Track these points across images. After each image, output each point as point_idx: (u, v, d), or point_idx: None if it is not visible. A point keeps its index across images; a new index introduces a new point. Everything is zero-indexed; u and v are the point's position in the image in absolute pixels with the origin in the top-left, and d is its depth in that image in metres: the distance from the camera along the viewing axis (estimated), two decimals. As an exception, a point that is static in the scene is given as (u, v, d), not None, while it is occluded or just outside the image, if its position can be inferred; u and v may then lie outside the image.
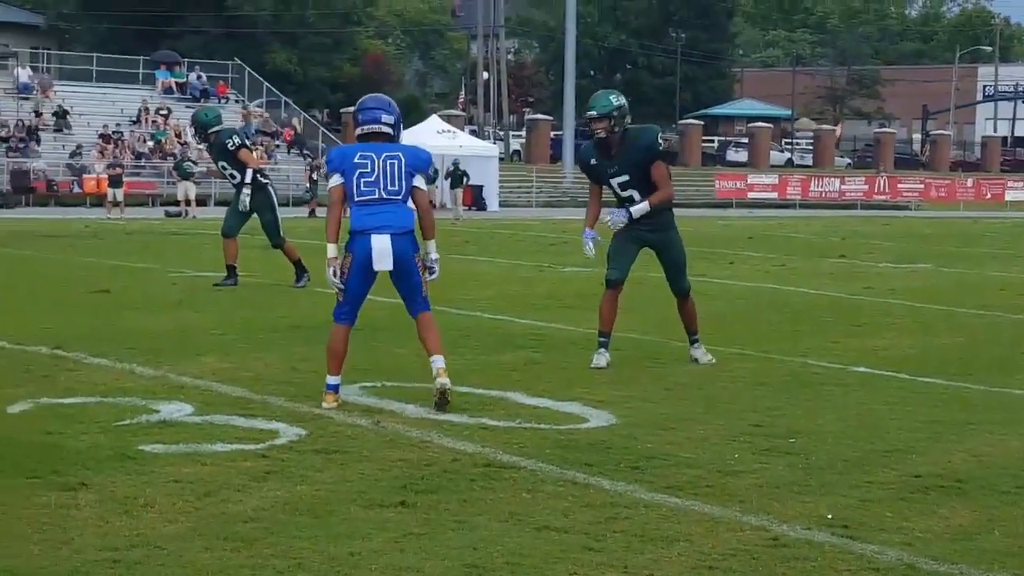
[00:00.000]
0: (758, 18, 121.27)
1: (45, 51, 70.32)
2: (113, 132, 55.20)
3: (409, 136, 57.66)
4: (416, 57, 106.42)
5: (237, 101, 64.74)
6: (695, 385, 10.73)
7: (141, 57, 65.44)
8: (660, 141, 11.66)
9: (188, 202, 44.61)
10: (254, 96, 64.99)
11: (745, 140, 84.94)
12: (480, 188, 54.19)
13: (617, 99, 11.48)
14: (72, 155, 52.65)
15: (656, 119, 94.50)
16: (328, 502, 6.94)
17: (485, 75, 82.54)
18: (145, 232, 32.44)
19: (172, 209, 45.11)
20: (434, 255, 9.88)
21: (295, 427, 8.69)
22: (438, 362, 9.56)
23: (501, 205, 56.65)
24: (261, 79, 65.69)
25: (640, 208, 11.55)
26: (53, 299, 15.98)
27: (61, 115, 56.67)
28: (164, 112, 59.42)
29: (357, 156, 9.58)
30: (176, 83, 63.72)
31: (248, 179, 18.16)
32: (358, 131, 9.75)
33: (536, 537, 6.37)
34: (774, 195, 68.42)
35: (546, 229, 38.01)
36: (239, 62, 66.23)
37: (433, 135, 55.43)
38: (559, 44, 76.36)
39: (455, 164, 49.17)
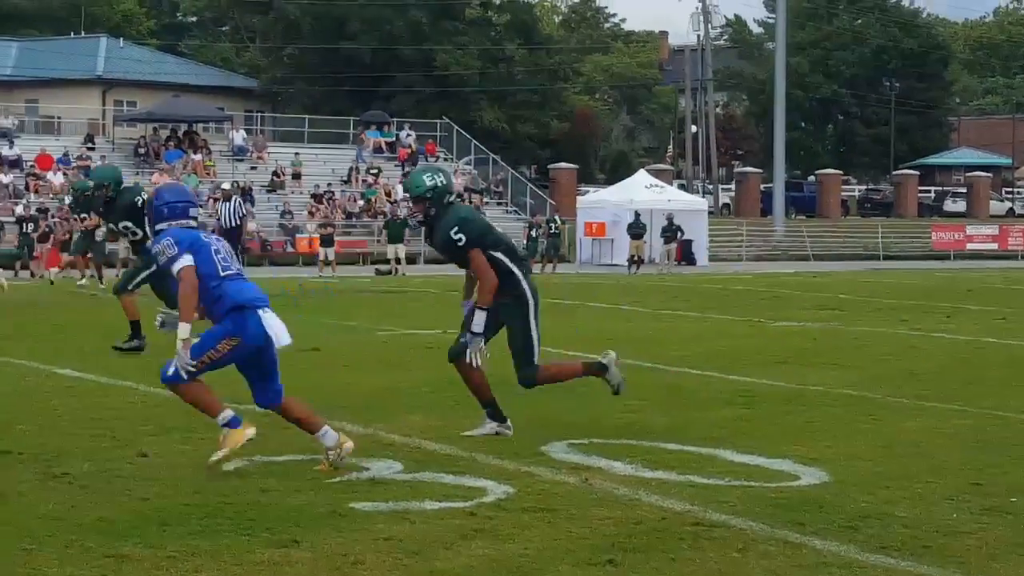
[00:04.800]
0: (975, 65, 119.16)
1: (259, 114, 72.03)
2: (324, 192, 56.23)
3: (618, 191, 58.05)
4: (624, 112, 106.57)
5: (446, 159, 65.54)
6: (911, 442, 10.48)
7: (352, 118, 66.64)
8: (455, 236, 10.33)
9: (398, 260, 45.16)
10: (463, 154, 65.73)
11: (963, 190, 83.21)
12: (689, 242, 53.95)
13: (431, 179, 10.49)
14: (283, 215, 53.72)
15: (870, 169, 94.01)
16: (536, 560, 6.90)
17: (693, 128, 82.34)
18: (355, 291, 32.87)
19: (382, 267, 45.69)
20: None
21: (503, 485, 8.67)
22: (331, 436, 9.21)
23: (710, 259, 56.34)
24: (470, 137, 66.39)
25: (476, 323, 10.38)
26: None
27: (295, 176, 58.30)
28: (375, 172, 60.38)
29: (203, 235, 9.29)
30: (386, 143, 64.75)
31: None
32: (178, 223, 9.26)
33: (747, 598, 6.26)
34: (994, 246, 66.94)
35: (756, 283, 37.67)
36: (448, 121, 67.04)
37: (641, 190, 55.47)
38: (769, 96, 75.88)
39: (669, 219, 49.04)
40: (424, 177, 10.54)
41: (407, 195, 10.74)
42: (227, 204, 32.94)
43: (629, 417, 11.55)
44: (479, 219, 10.87)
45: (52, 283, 31.78)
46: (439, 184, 10.45)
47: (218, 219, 34.55)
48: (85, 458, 9.38)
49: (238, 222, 32.87)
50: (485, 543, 7.22)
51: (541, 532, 7.49)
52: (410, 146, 64.24)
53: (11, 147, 54.43)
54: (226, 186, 35.96)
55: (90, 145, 57.87)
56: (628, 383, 13.70)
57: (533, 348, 10.58)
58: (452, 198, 10.56)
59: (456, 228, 10.33)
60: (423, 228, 10.93)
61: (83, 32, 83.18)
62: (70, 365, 14.65)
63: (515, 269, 10.51)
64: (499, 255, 10.43)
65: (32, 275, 38.99)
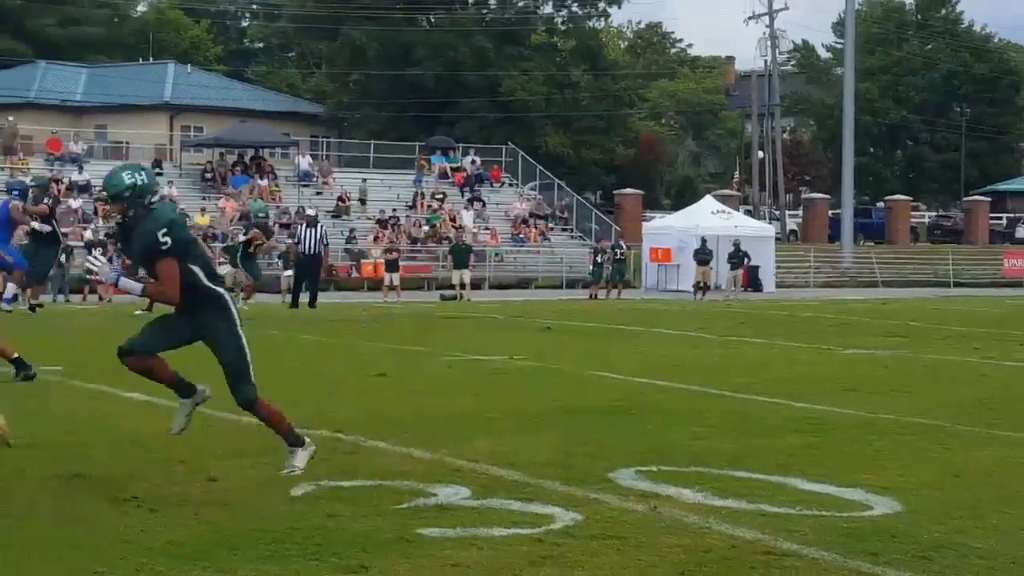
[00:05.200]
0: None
1: (324, 139, 72.44)
2: (389, 217, 56.39)
3: (684, 217, 57.88)
4: (690, 137, 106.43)
5: (511, 185, 65.65)
6: (984, 472, 10.34)
7: (417, 143, 66.87)
8: (162, 238, 9.35)
9: (463, 286, 45.20)
10: (528, 179, 65.79)
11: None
12: (756, 269, 53.73)
13: (131, 177, 9.48)
14: (348, 240, 53.92)
15: (940, 195, 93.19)
16: (605, 589, 6.85)
17: (760, 154, 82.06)
18: (420, 315, 32.90)
19: (447, 293, 45.74)
20: None
21: (571, 511, 8.60)
22: None
23: (777, 286, 56.10)
24: (534, 163, 66.45)
25: (128, 284, 9.52)
26: (334, 382, 16.24)
27: (362, 201, 58.60)
28: (440, 197, 60.50)
29: None
30: (451, 168, 64.89)
31: None
32: None
33: (820, 629, 6.18)
34: (1067, 274, 66.23)
35: (824, 310, 37.44)
36: (513, 146, 67.12)
37: (708, 216, 55.32)
38: (837, 121, 75.57)
39: (736, 245, 48.90)
40: (123, 175, 9.53)
41: (104, 194, 9.65)
42: (311, 230, 32.70)
43: (696, 444, 11.47)
44: (185, 226, 9.99)
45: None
46: (139, 183, 9.52)
47: (297, 242, 34.41)
48: (155, 482, 9.40)
49: (321, 248, 32.80)
50: (553, 570, 7.16)
51: (610, 560, 7.43)
52: (464, 169, 64.46)
53: (80, 172, 54.98)
54: (311, 212, 35.63)
55: (158, 170, 58.26)
56: (691, 410, 13.69)
57: (249, 366, 9.71)
58: (154, 199, 9.67)
59: (165, 230, 9.38)
60: (119, 232, 9.83)
61: (151, 58, 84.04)
62: (139, 389, 14.68)
63: (212, 286, 9.68)
64: (197, 270, 9.62)
65: (100, 299, 39.24)
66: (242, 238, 33.45)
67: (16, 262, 25.75)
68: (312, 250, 32.17)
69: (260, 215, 34.59)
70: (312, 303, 32.26)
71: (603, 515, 8.54)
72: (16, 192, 26.73)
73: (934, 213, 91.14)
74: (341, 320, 29.21)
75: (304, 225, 33.44)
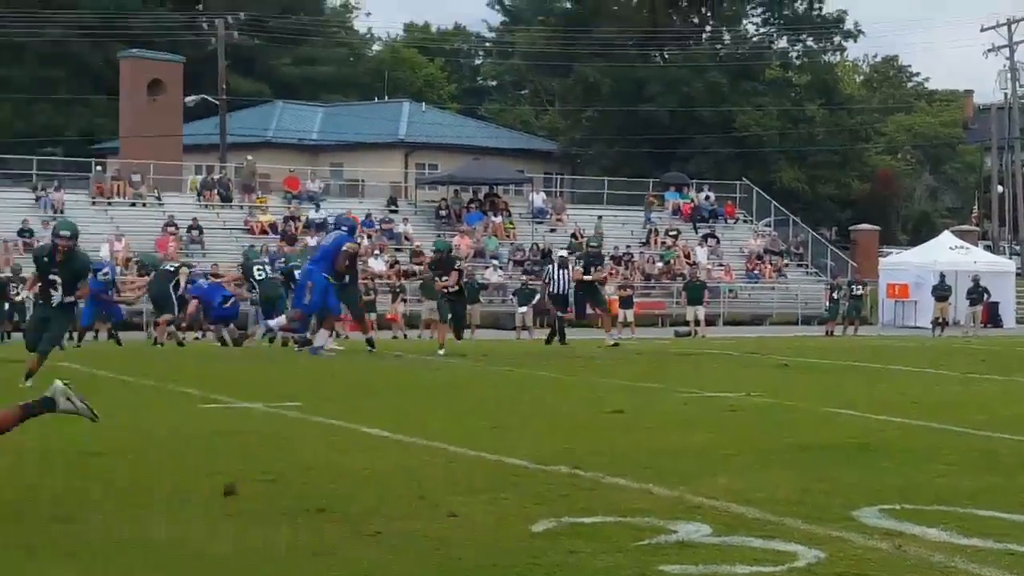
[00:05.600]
0: None
1: (558, 176, 72.88)
2: (623, 254, 56.47)
3: (921, 252, 56.95)
4: (927, 171, 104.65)
5: (746, 221, 65.29)
6: None
7: (651, 180, 66.90)
8: None
9: (697, 322, 45.05)
10: (762, 216, 65.39)
11: None
12: (996, 305, 52.67)
13: None
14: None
15: None
16: (850, 629, 6.77)
17: (1000, 188, 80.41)
18: (655, 352, 32.84)
19: (681, 329, 45.64)
20: None
21: (814, 549, 8.50)
22: None
23: (1018, 322, 54.85)
24: (769, 198, 66.03)
25: None
26: (571, 419, 16.29)
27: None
28: (673, 233, 60.43)
29: None
30: (685, 204, 64.82)
31: None
32: None
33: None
34: None
35: (1068, 346, 36.48)
36: (747, 182, 66.78)
37: (945, 251, 54.51)
38: (1078, 155, 73.80)
39: (975, 280, 48.10)
40: None
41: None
42: (562, 271, 33.68)
43: (939, 482, 11.27)
44: None
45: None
46: None
47: (547, 282, 34.99)
48: (396, 517, 9.52)
49: (569, 288, 33.60)
50: (797, 609, 7.11)
51: (854, 599, 7.36)
52: (691, 199, 64.39)
53: (317, 210, 56.16)
54: (563, 253, 36.81)
55: (393, 208, 59.32)
56: (931, 447, 13.45)
57: None
58: None
59: None
60: None
61: (386, 97, 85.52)
62: (378, 424, 14.92)
63: None
64: None
65: (336, 335, 39.89)
66: (587, 277, 33.51)
67: (313, 304, 27.32)
68: (562, 289, 33.09)
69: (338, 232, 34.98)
70: (550, 340, 32.86)
71: (847, 553, 8.43)
72: (345, 228, 27.76)
73: None
74: (576, 357, 29.30)
75: (555, 266, 34.39)
